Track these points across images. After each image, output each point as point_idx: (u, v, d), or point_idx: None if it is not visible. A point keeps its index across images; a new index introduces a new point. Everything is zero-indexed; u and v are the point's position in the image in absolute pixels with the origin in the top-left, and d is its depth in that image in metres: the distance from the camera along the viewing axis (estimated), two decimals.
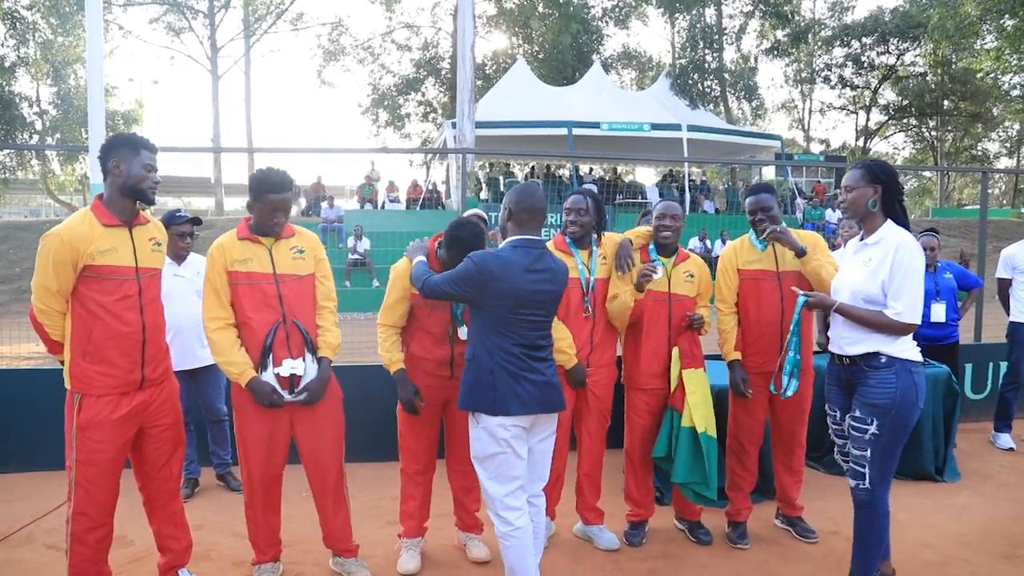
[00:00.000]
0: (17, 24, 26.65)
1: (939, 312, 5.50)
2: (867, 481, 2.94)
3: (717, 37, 30.61)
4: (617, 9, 31.76)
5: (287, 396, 3.07)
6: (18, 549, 3.68)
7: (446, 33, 31.29)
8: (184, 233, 4.30)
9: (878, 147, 44.13)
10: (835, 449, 3.24)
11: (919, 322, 2.88)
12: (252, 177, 3.03)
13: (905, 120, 41.53)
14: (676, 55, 31.69)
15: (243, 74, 30.67)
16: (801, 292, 3.13)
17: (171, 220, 4.27)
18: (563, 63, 28.76)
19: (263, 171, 3.04)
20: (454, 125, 18.98)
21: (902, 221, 2.97)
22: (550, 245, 3.67)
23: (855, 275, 3.00)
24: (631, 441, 3.78)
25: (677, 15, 31.66)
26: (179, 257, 4.33)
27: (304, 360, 3.10)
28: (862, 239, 3.06)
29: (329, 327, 3.23)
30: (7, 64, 26.89)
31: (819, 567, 3.55)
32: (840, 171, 25.48)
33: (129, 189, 2.79)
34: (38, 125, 28.34)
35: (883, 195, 2.97)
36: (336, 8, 55.53)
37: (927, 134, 42.65)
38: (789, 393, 3.36)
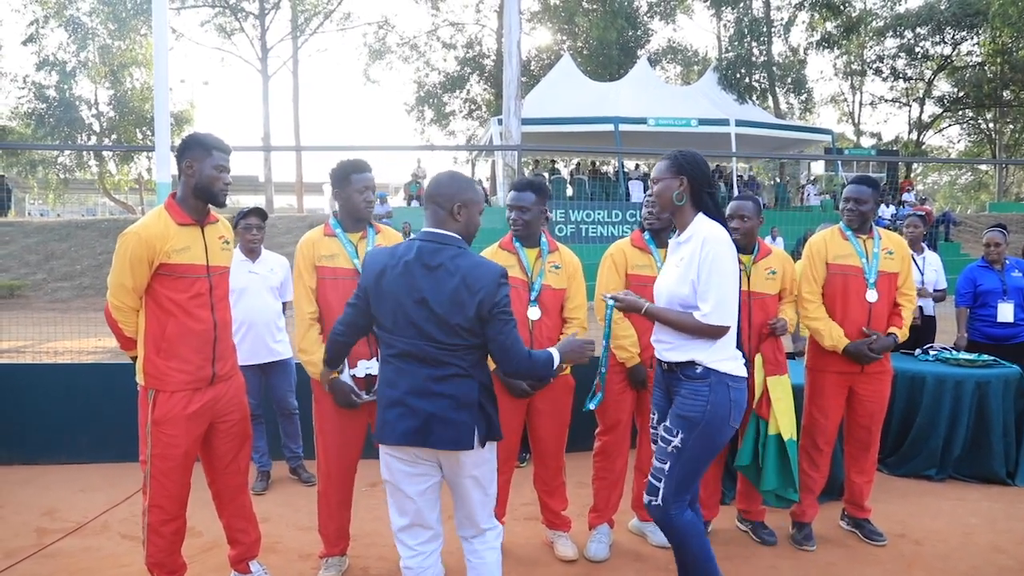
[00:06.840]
0: (78, 29, 27.54)
1: (1006, 311, 5.35)
2: (659, 497, 2.70)
3: (765, 30, 30.01)
4: (663, 3, 31.43)
5: (364, 396, 3.11)
6: (95, 537, 3.81)
7: (490, 30, 31.36)
8: (251, 225, 4.42)
9: (932, 140, 42.89)
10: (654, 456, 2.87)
11: (730, 324, 2.65)
12: (333, 169, 3.17)
13: (961, 112, 40.20)
14: (723, 49, 31.24)
15: (291, 74, 31.21)
16: (609, 296, 2.89)
17: (239, 217, 4.44)
18: (608, 59, 28.55)
19: (342, 160, 3.20)
20: (500, 122, 19.00)
21: (714, 214, 2.73)
22: (625, 240, 3.65)
23: (668, 277, 2.80)
24: None
25: (723, 8, 31.19)
26: (252, 252, 4.45)
27: (378, 359, 3.13)
28: (676, 237, 2.82)
29: None
30: (68, 68, 27.81)
31: (887, 571, 3.47)
32: (892, 166, 24.83)
33: (200, 190, 2.84)
34: (96, 127, 29.26)
35: (691, 187, 2.72)
36: (382, 7, 56.43)
37: (984, 126, 41.25)
38: (590, 406, 3.01)
